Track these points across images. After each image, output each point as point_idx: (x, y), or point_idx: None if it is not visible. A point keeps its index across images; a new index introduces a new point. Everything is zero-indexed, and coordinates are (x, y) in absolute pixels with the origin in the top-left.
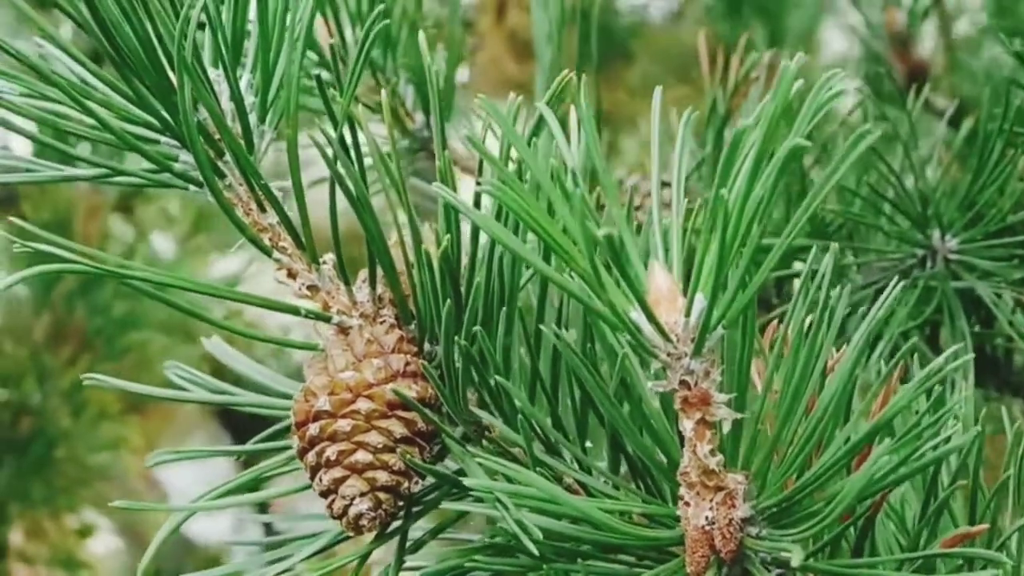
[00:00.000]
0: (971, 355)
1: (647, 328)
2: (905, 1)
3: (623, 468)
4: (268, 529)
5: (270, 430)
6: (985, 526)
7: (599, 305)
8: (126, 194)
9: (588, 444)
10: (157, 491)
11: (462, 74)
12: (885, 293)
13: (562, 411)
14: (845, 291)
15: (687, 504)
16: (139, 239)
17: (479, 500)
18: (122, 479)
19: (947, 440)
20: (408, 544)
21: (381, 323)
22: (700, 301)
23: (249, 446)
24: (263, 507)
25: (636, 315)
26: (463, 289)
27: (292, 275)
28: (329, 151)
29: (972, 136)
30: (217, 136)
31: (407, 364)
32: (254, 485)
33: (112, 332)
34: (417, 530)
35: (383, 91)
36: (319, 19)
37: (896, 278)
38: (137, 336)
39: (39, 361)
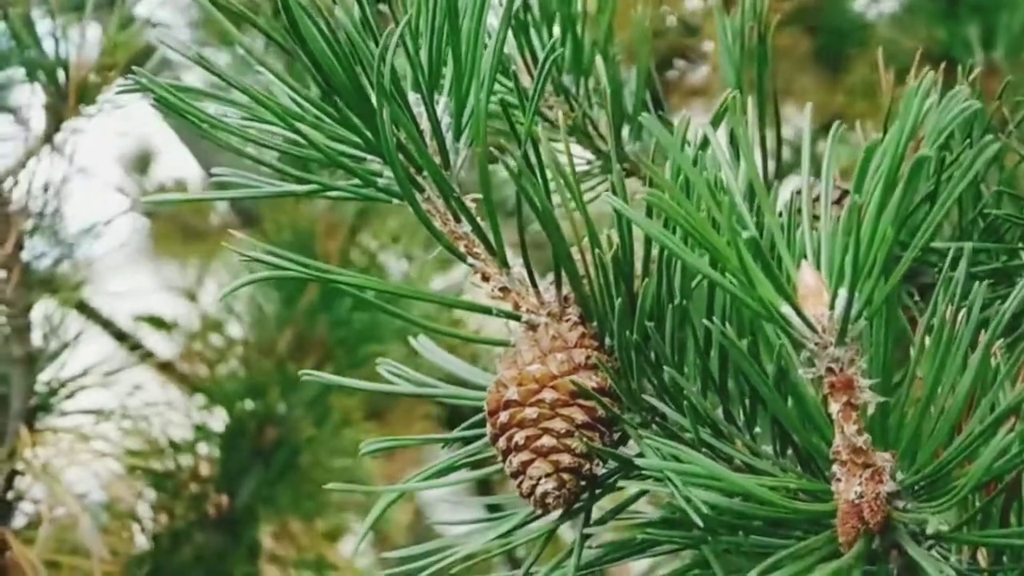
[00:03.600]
0: None
1: (796, 321)
2: None
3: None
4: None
5: (471, 420)
6: None
7: (751, 301)
8: (362, 211)
9: (757, 430)
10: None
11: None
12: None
13: (732, 399)
14: (981, 287)
15: (838, 480)
16: (372, 258)
17: (656, 481)
18: (366, 483)
19: None
20: (591, 521)
21: (566, 321)
22: (843, 296)
23: (455, 433)
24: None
25: (786, 309)
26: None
27: (486, 278)
28: (515, 168)
29: None
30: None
31: (588, 358)
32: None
33: (353, 343)
34: (599, 509)
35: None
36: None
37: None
38: (377, 347)
39: (284, 372)
